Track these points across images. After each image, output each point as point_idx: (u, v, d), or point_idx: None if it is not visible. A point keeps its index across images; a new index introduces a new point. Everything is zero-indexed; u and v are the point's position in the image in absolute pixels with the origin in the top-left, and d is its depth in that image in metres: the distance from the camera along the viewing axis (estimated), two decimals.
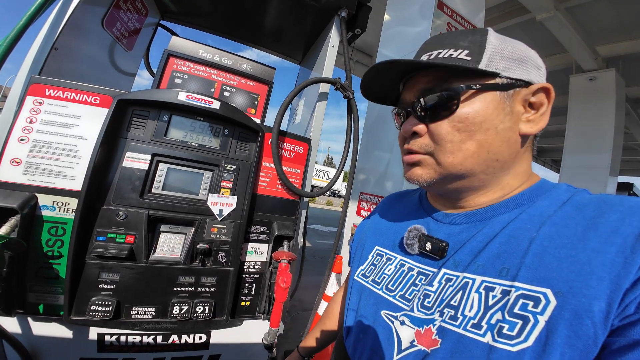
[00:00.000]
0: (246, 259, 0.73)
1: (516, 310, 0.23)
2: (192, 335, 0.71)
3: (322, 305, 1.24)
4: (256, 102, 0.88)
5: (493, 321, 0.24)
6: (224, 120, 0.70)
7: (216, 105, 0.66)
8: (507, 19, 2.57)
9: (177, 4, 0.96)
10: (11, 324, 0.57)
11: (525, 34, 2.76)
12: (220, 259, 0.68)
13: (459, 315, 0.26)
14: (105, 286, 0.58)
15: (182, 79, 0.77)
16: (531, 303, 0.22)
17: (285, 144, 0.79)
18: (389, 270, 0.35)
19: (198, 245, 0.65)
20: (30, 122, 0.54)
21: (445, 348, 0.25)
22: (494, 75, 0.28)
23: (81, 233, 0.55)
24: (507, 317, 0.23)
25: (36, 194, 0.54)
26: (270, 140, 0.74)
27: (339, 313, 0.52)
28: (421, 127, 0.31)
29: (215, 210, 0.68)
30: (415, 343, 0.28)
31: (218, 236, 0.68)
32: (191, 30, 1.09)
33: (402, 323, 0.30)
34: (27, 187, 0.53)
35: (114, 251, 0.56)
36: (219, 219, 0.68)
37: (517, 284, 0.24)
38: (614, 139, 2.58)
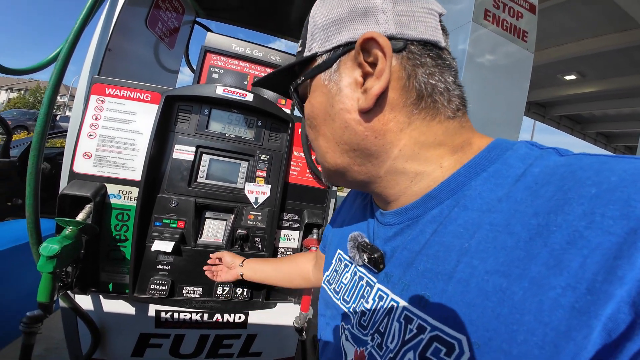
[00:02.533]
0: (279, 245, 0.76)
1: (428, 354, 0.19)
2: (232, 315, 0.78)
3: None
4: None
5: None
6: (257, 112, 0.74)
7: (250, 97, 0.69)
8: None
9: (209, 1, 1.01)
10: (85, 302, 0.67)
11: (589, 9, 2.42)
12: (257, 245, 0.72)
13: (383, 344, 0.23)
14: (162, 267, 0.65)
15: (219, 73, 0.82)
16: (444, 350, 0.18)
17: None
18: (345, 279, 0.31)
19: (237, 231, 0.69)
20: (96, 119, 0.62)
21: None
22: (314, 57, 0.24)
23: (142, 218, 0.62)
24: (417, 359, 0.19)
25: (105, 184, 0.62)
26: (300, 129, 0.76)
27: (298, 270, 0.55)
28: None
29: (251, 198, 0.72)
30: None
31: (254, 223, 0.72)
32: (224, 25, 1.15)
33: (347, 338, 0.28)
34: (97, 177, 0.62)
35: (169, 235, 0.63)
36: (255, 207, 0.72)
37: (432, 321, 0.19)
38: None
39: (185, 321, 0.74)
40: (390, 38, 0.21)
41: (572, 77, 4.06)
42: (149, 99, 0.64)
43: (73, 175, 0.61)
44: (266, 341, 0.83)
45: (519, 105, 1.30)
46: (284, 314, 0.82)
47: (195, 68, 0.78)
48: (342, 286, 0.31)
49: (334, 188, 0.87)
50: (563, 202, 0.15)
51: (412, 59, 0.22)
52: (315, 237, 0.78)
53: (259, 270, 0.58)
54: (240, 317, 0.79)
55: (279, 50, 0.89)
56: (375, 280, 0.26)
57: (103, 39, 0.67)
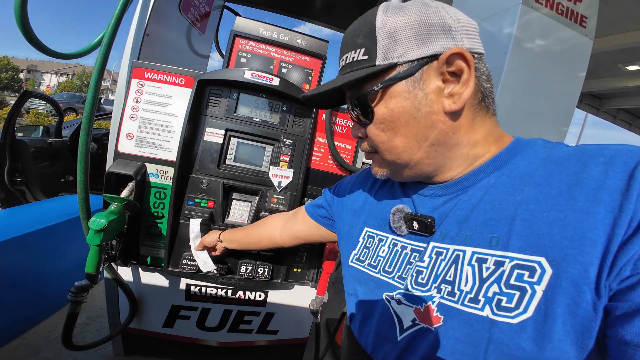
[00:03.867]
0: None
1: (512, 281, 0.22)
2: (254, 293, 0.81)
3: None
4: (310, 77, 0.89)
5: (490, 294, 0.23)
6: (282, 97, 0.74)
7: (276, 82, 0.69)
8: None
9: None
10: (126, 273, 0.74)
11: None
12: None
13: (455, 290, 0.25)
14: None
15: (247, 57, 0.83)
16: (526, 273, 0.22)
17: (337, 119, 0.80)
18: (382, 252, 0.34)
19: (261, 213, 0.71)
20: (137, 102, 0.66)
21: (448, 325, 0.25)
22: (393, 66, 0.27)
23: (177, 197, 0.66)
24: (503, 289, 0.23)
25: (145, 163, 0.66)
26: (324, 115, 0.75)
27: (266, 233, 0.58)
28: (360, 131, 0.32)
29: (275, 182, 0.73)
30: (417, 322, 0.28)
31: (277, 206, 0.74)
32: (251, 10, 1.15)
33: (399, 302, 0.30)
34: (138, 157, 0.67)
35: (200, 214, 0.66)
36: (278, 190, 0.73)
37: (509, 254, 0.23)
38: None
39: (211, 295, 0.79)
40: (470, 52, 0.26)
41: (635, 67, 3.59)
42: (183, 82, 0.67)
43: (117, 155, 0.66)
44: (283, 321, 0.86)
45: (572, 96, 1.16)
46: (301, 296, 0.84)
47: (224, 53, 0.79)
48: (379, 259, 0.34)
49: None
50: (585, 166, 0.22)
51: (477, 69, 0.27)
52: None
53: (233, 240, 0.63)
54: (260, 296, 0.82)
55: (304, 33, 0.88)
56: (426, 242, 0.30)
57: (141, 25, 0.71)
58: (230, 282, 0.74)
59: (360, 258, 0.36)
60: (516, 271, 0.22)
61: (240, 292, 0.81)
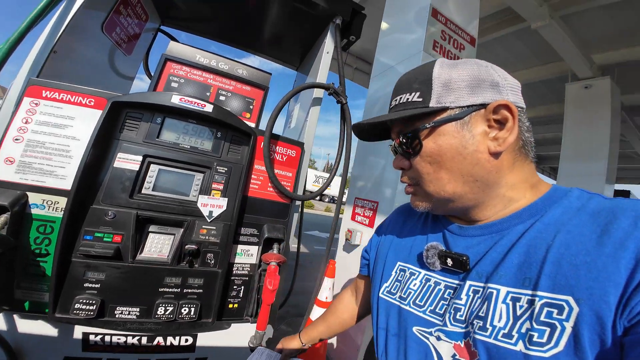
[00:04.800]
0: (235, 261, 0.72)
1: (542, 318, 0.24)
2: (177, 338, 0.70)
3: (315, 310, 1.21)
4: (251, 107, 0.89)
5: (523, 330, 0.24)
6: (217, 124, 0.71)
7: (209, 108, 0.66)
8: (502, 28, 2.58)
9: (177, 10, 0.99)
10: None
11: (521, 42, 2.77)
12: (209, 260, 0.67)
13: (488, 325, 0.26)
14: (90, 285, 0.57)
15: (179, 82, 0.78)
16: (555, 311, 0.23)
17: (277, 147, 0.80)
18: (414, 285, 0.35)
19: (186, 246, 0.64)
20: (26, 122, 0.55)
21: (485, 358, 0.26)
22: (445, 109, 0.30)
23: (69, 232, 0.55)
24: (535, 325, 0.24)
25: (27, 192, 0.54)
26: (262, 143, 0.74)
27: (346, 315, 0.56)
28: (404, 163, 0.35)
29: (205, 211, 0.67)
30: (457, 357, 0.28)
31: (207, 237, 0.67)
32: (194, 37, 1.12)
33: (439, 339, 0.30)
34: (19, 185, 0.54)
35: (101, 250, 0.56)
36: (209, 220, 0.68)
37: (539, 293, 0.25)
38: (609, 147, 2.57)
39: (119, 345, 0.65)
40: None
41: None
42: (92, 103, 0.59)
43: None
44: None
45: None
46: (239, 335, 0.75)
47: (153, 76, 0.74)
48: (410, 292, 0.35)
49: (297, 203, 0.86)
50: (616, 217, 0.24)
51: (519, 119, 0.30)
52: (275, 251, 0.74)
53: (316, 339, 0.58)
54: (187, 340, 0.71)
55: (246, 64, 0.88)
56: (460, 279, 0.31)
57: (50, 41, 0.61)
58: (143, 327, 0.62)
59: (392, 290, 0.37)
60: (546, 309, 0.24)
61: (159, 338, 0.69)
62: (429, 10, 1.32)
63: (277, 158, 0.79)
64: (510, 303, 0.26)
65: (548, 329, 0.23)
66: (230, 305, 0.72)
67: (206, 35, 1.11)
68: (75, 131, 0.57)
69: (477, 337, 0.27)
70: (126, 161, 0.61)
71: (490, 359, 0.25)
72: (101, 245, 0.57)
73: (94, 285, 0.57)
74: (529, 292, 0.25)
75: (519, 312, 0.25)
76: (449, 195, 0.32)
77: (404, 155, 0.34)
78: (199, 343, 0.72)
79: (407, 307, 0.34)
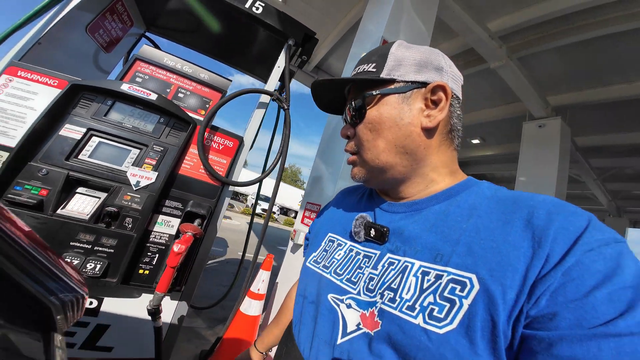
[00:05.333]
0: (154, 229, 0.79)
1: (446, 293, 0.24)
2: None
3: (246, 301, 1.20)
4: (207, 105, 1.05)
5: (425, 304, 0.25)
6: (161, 111, 0.85)
7: (153, 97, 0.81)
8: (469, 67, 2.80)
9: (160, 20, 1.20)
10: None
11: (486, 82, 3.01)
12: (126, 224, 0.74)
13: (397, 297, 0.27)
14: None
15: (143, 78, 0.96)
16: (458, 287, 0.24)
17: (216, 137, 0.93)
18: (338, 255, 0.36)
19: (107, 208, 0.72)
20: None
21: (385, 330, 0.26)
22: (392, 81, 0.33)
23: (2, 181, 0.64)
24: (437, 299, 0.25)
25: None
26: (198, 133, 0.88)
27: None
28: (350, 131, 0.36)
29: (132, 180, 0.77)
30: (360, 326, 0.28)
31: (130, 204, 0.76)
32: (177, 46, 1.34)
33: (349, 306, 0.30)
34: None
35: (23, 199, 0.64)
36: (134, 189, 0.77)
37: (448, 269, 0.26)
38: (556, 186, 2.63)
39: None
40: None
41: (477, 141, 4.61)
42: (56, 84, 0.74)
43: None
44: (121, 335, 0.75)
45: None
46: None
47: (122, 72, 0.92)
48: (333, 261, 0.36)
49: (231, 188, 0.96)
50: (517, 208, 0.26)
51: (453, 105, 0.34)
52: (195, 224, 0.81)
53: (273, 342, 0.52)
54: (91, 303, 0.74)
55: (209, 69, 1.08)
56: (381, 251, 0.32)
57: (38, 34, 0.79)
58: None
59: (317, 260, 0.38)
60: (450, 285, 0.24)
61: None
62: (380, 41, 1.58)
63: (214, 146, 0.92)
64: (420, 276, 0.27)
65: (448, 305, 0.24)
66: (141, 271, 0.76)
67: (186, 45, 1.33)
68: (34, 103, 0.71)
69: (384, 307, 0.27)
70: (71, 131, 0.73)
71: (390, 330, 0.25)
72: (27, 195, 0.66)
73: None
74: (439, 267, 0.26)
75: (425, 286, 0.26)
76: (383, 164, 0.33)
77: (351, 124, 0.36)
78: (103, 308, 0.74)
79: (327, 276, 0.34)
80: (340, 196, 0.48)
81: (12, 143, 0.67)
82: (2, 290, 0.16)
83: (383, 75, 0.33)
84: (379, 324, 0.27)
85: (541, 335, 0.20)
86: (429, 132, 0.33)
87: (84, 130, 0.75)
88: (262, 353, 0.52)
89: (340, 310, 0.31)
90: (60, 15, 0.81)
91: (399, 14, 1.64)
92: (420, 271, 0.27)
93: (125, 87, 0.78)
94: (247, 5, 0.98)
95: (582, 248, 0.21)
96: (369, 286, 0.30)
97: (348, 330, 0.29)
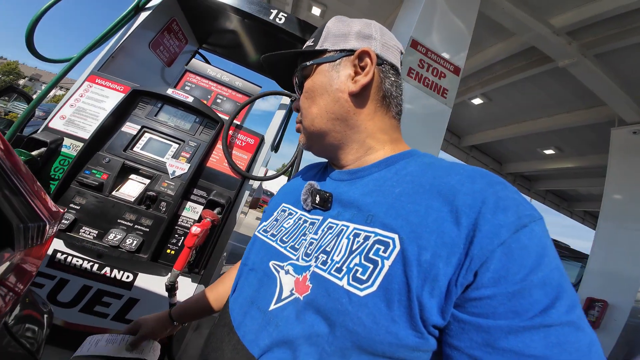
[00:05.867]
0: (183, 214, 0.87)
1: (371, 255, 0.24)
2: (121, 272, 0.83)
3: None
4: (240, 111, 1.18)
5: (351, 265, 0.24)
6: (196, 112, 0.98)
7: (190, 99, 0.94)
8: (533, 66, 2.44)
9: (210, 39, 1.40)
10: None
11: (559, 84, 2.55)
12: (161, 208, 0.84)
13: (328, 260, 0.26)
14: (73, 206, 0.78)
15: (190, 87, 1.12)
16: (382, 248, 0.24)
17: (240, 134, 1.02)
18: (287, 224, 0.35)
19: (148, 192, 0.83)
20: (81, 96, 0.88)
21: (313, 294, 0.25)
22: (324, 51, 0.34)
23: (76, 166, 0.79)
24: (362, 260, 0.24)
25: (65, 137, 0.82)
26: (223, 131, 0.98)
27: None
28: (296, 104, 0.38)
29: (170, 170, 0.88)
30: (293, 291, 0.27)
31: (166, 190, 0.86)
32: (226, 61, 1.55)
33: (287, 272, 0.29)
34: (61, 132, 0.83)
35: (89, 181, 0.78)
36: (171, 177, 0.88)
37: (376, 229, 0.25)
38: None
39: (74, 266, 0.80)
40: (377, 56, 0.33)
41: (550, 151, 4.10)
42: (122, 90, 0.91)
43: (46, 129, 0.83)
44: (147, 310, 0.83)
45: (433, 151, 1.48)
46: (179, 288, 0.84)
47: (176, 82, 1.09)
48: (281, 229, 0.35)
49: (251, 182, 1.02)
50: (448, 174, 0.26)
51: (385, 72, 0.34)
52: (215, 212, 0.88)
53: (196, 311, 0.48)
54: (128, 277, 0.83)
55: (242, 77, 1.22)
56: (324, 216, 0.32)
57: (112, 49, 1.00)
58: (93, 248, 0.75)
59: (267, 229, 0.37)
60: (376, 245, 0.24)
61: (107, 269, 0.82)
62: (408, 41, 1.52)
63: (237, 143, 1.01)
64: (351, 238, 0.26)
65: (371, 266, 0.23)
66: (168, 251, 0.84)
67: (229, 59, 1.52)
68: (106, 105, 0.88)
69: (316, 270, 0.26)
70: (130, 128, 0.89)
71: (317, 293, 0.25)
72: (92, 178, 0.80)
73: (75, 207, 0.78)
74: (369, 228, 0.26)
75: (354, 247, 0.25)
76: (317, 130, 0.34)
77: (298, 97, 0.38)
78: (137, 283, 0.83)
79: (272, 243, 0.34)
80: (303, 170, 0.47)
81: (86, 136, 0.83)
82: None
83: (317, 47, 0.35)
84: (309, 287, 0.26)
85: (479, 322, 0.19)
86: (356, 97, 0.33)
87: (139, 127, 0.89)
88: (174, 322, 0.48)
89: (279, 277, 0.29)
90: (128, 33, 1.02)
91: (431, 14, 1.58)
92: (352, 233, 0.27)
93: (170, 92, 0.93)
94: (271, 17, 1.10)
95: (518, 222, 0.20)
96: (308, 251, 0.29)
97: (283, 297, 0.28)
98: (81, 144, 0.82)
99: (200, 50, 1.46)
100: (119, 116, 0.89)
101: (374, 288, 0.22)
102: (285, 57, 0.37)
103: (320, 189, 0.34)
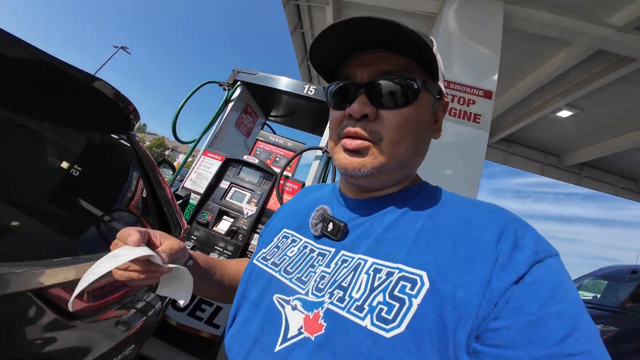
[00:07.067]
0: (251, 242, 1.23)
1: (396, 292, 0.22)
2: None
3: None
4: (291, 164, 1.57)
5: (374, 303, 0.23)
6: (259, 169, 1.39)
7: (256, 161, 1.36)
8: (607, 73, 2.15)
9: (273, 112, 1.94)
10: None
11: None
12: (239, 238, 1.22)
13: (346, 296, 0.24)
14: (193, 237, 1.24)
15: (259, 151, 1.61)
16: (409, 285, 0.22)
17: (288, 183, 1.36)
18: (291, 252, 0.32)
19: (232, 227, 1.23)
20: (199, 165, 1.43)
21: (329, 334, 0.23)
22: (435, 78, 0.29)
23: (196, 211, 1.28)
24: (387, 299, 0.22)
25: (192, 193, 1.35)
26: (277, 181, 1.33)
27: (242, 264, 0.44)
28: (374, 110, 0.28)
29: (245, 211, 1.27)
30: (302, 330, 0.24)
31: (243, 225, 1.24)
32: (284, 127, 2.07)
33: (294, 308, 0.26)
34: (190, 189, 1.37)
35: (202, 220, 1.25)
36: (245, 217, 1.26)
37: (400, 265, 0.24)
38: None
39: None
40: None
41: None
42: (220, 158, 1.42)
43: (183, 188, 1.39)
44: (226, 318, 1.18)
45: (472, 178, 1.37)
46: None
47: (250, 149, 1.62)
48: (284, 259, 0.31)
49: None
50: (467, 210, 0.26)
51: None
52: None
53: (207, 262, 0.39)
54: None
55: (292, 139, 1.62)
56: (336, 248, 0.29)
57: (215, 131, 1.57)
58: None
59: (267, 257, 0.33)
60: (401, 282, 0.23)
61: None
62: None
63: (286, 189, 1.34)
64: (372, 273, 0.25)
65: (397, 305, 0.22)
66: None
67: (289, 125, 2.04)
68: (212, 169, 1.39)
69: (331, 307, 0.24)
70: (223, 184, 1.36)
71: (333, 333, 0.23)
72: (203, 219, 1.26)
73: (194, 238, 1.24)
74: (391, 264, 0.24)
75: (376, 284, 0.24)
76: (400, 164, 0.29)
77: (375, 102, 0.27)
78: None
79: (275, 274, 0.30)
80: (302, 192, 0.43)
81: (201, 190, 1.34)
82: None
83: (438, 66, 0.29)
84: (323, 327, 0.23)
85: (498, 353, 0.19)
86: (429, 143, 0.31)
87: (229, 183, 1.36)
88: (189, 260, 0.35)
89: (285, 313, 0.26)
90: (223, 117, 1.58)
91: (448, 46, 1.58)
92: (372, 268, 0.25)
93: (245, 157, 1.37)
94: (304, 92, 1.46)
95: (535, 257, 0.21)
96: (319, 285, 0.26)
97: (289, 335, 0.25)
98: (199, 196, 1.33)
99: (267, 122, 2.02)
100: (218, 177, 1.38)
101: (402, 329, 0.20)
102: (400, 31, 0.25)
103: (334, 217, 0.31)
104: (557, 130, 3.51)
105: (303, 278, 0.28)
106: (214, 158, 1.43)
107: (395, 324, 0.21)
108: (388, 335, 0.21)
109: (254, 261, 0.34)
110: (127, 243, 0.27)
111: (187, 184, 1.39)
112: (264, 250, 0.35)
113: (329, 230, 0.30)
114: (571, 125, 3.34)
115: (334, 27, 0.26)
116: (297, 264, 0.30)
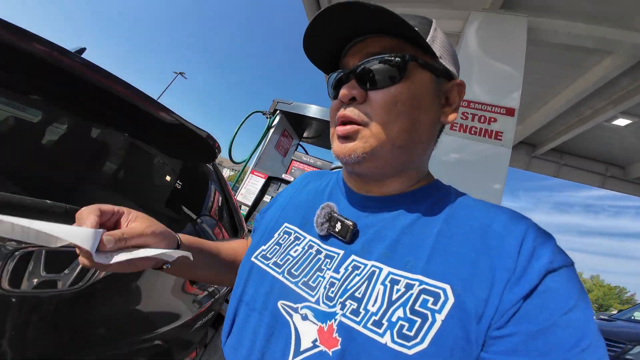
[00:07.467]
0: None
1: (417, 307, 0.21)
2: None
3: None
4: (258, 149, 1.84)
5: (394, 319, 0.21)
6: None
7: (291, 179, 1.61)
8: None
9: (306, 134, 2.25)
10: None
11: None
12: None
13: (361, 309, 0.22)
14: None
15: (295, 169, 1.89)
16: (431, 299, 0.21)
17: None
18: (295, 252, 0.29)
19: None
20: (248, 183, 1.75)
21: (345, 350, 0.21)
22: (434, 56, 0.27)
23: (246, 220, 1.57)
24: (408, 314, 0.21)
25: (242, 205, 1.66)
26: None
27: (237, 244, 0.43)
28: (358, 92, 0.26)
29: None
30: (317, 343, 0.22)
31: None
32: (316, 147, 2.40)
33: (304, 318, 0.24)
34: (241, 202, 1.68)
35: (249, 227, 1.52)
36: None
37: (420, 277, 0.22)
38: None
39: None
40: None
41: None
42: (264, 176, 1.72)
43: (237, 201, 1.71)
44: None
45: (495, 194, 1.32)
46: None
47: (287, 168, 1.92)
48: (287, 259, 0.29)
49: None
50: (486, 216, 0.25)
51: None
52: None
53: (201, 244, 0.37)
54: None
55: (320, 157, 1.86)
56: (345, 250, 0.27)
57: (260, 153, 1.91)
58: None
59: (267, 255, 0.30)
60: (422, 296, 0.21)
61: None
62: None
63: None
64: (389, 285, 0.23)
65: (419, 320, 0.20)
66: None
67: (321, 146, 2.37)
68: (257, 186, 1.69)
69: (345, 321, 0.22)
70: (267, 198, 1.64)
71: (349, 348, 0.21)
72: (250, 227, 1.54)
73: None
74: (410, 275, 0.22)
75: (394, 297, 0.22)
76: (395, 148, 0.26)
77: (363, 83, 0.26)
78: None
79: (279, 276, 0.28)
80: (303, 181, 0.39)
81: (249, 203, 1.64)
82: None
83: (428, 40, 0.26)
84: (338, 341, 0.22)
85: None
86: (435, 127, 0.29)
87: (271, 197, 1.64)
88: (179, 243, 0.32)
89: (294, 322, 0.25)
90: (266, 141, 1.90)
91: (467, 66, 1.51)
92: (389, 279, 0.23)
93: (283, 175, 1.66)
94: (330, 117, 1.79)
95: (549, 266, 0.20)
96: (329, 293, 0.25)
97: (302, 348, 0.23)
98: (247, 208, 1.62)
99: (300, 143, 2.36)
100: (262, 192, 1.67)
101: (424, 345, 0.19)
102: (375, 11, 0.23)
103: (342, 215, 0.28)
104: (617, 140, 3.07)
105: (311, 283, 0.26)
106: (258, 176, 1.74)
107: (417, 340, 0.20)
108: (410, 352, 0.20)
109: (253, 259, 0.31)
110: (84, 225, 0.25)
111: (239, 197, 1.71)
112: (263, 248, 0.32)
113: (336, 230, 0.28)
114: (632, 134, 2.89)
115: (317, 23, 0.26)
116: (303, 267, 0.28)
